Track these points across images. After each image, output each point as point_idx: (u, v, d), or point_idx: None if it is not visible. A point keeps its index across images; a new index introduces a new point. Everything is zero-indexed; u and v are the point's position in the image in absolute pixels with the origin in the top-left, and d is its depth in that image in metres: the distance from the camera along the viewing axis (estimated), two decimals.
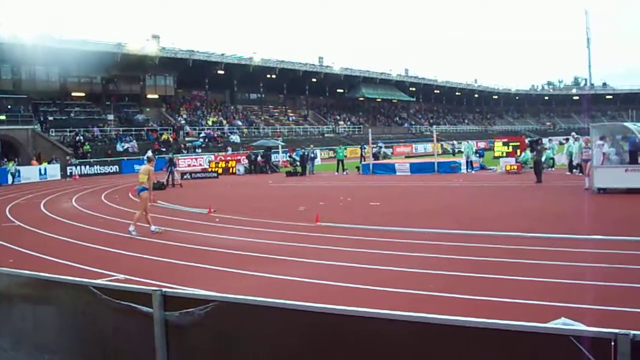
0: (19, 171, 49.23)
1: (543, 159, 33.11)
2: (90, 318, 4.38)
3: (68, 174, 52.62)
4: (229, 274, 11.64)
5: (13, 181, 47.39)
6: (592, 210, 19.09)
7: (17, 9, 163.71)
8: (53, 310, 4.74)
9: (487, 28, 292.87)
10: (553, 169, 36.06)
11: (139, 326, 3.98)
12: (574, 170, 32.71)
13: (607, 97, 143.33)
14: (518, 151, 40.49)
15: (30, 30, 60.42)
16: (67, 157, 55.53)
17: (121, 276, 11.61)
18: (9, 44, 57.73)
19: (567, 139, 37.70)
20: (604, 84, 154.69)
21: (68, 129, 62.11)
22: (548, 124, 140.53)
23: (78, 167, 54.51)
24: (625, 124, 27.84)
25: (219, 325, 3.70)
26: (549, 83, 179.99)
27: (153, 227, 17.61)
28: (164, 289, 3.90)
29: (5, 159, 51.57)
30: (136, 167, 56.43)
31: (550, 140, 39.91)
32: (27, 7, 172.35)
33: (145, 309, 3.88)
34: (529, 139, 51.74)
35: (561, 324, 3.23)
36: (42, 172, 51.62)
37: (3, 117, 56.40)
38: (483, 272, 10.73)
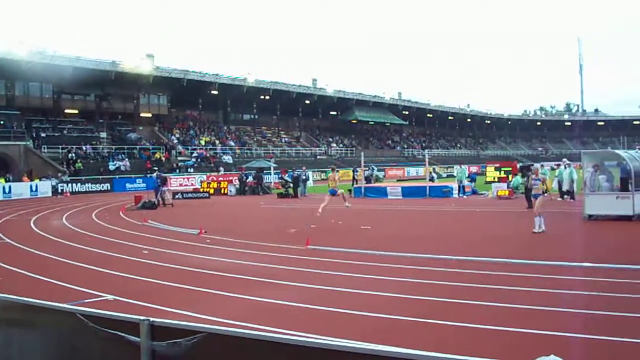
0: (10, 187, 49.19)
1: None
2: (76, 346, 4.34)
3: (59, 191, 52.45)
4: (218, 297, 11.59)
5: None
6: (583, 236, 19.20)
7: (11, 24, 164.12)
8: (39, 336, 4.69)
9: (480, 53, 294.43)
10: (546, 194, 35.88)
11: (125, 356, 3.94)
12: (565, 196, 32.93)
13: (599, 123, 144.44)
14: (510, 176, 40.55)
15: (24, 46, 60.45)
16: (59, 174, 55.36)
17: (110, 297, 11.55)
18: (2, 59, 57.81)
19: (559, 165, 37.91)
20: (596, 110, 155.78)
21: (60, 146, 61.98)
22: (540, 149, 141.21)
23: (69, 185, 54.34)
24: (616, 151, 27.93)
25: (205, 357, 3.66)
26: (541, 109, 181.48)
27: (347, 203, 22.11)
28: (152, 318, 3.87)
29: None
30: (128, 185, 56.52)
31: (542, 165, 39.96)
32: (22, 22, 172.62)
33: (132, 338, 3.84)
34: (520, 164, 51.75)
35: None
36: (34, 188, 51.45)
37: None
38: (469, 299, 10.68)
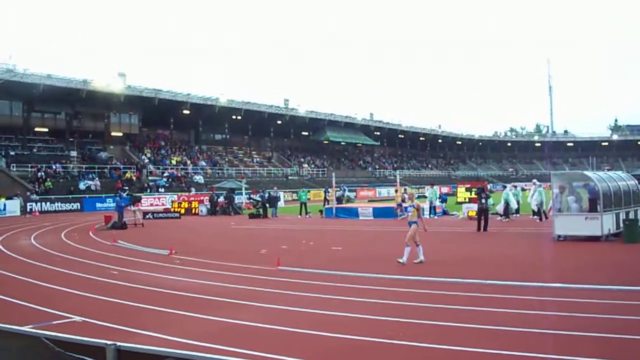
0: None
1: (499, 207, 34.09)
2: None
3: (28, 210, 51.95)
4: (187, 318, 11.53)
5: None
6: (551, 257, 19.38)
7: None
8: None
9: (452, 74, 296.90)
10: (518, 215, 36.02)
11: None
12: (535, 216, 33.32)
13: (568, 144, 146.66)
14: None
15: None
16: (28, 193, 54.82)
17: (78, 318, 11.43)
18: None
19: (514, 187, 38.73)
20: (565, 132, 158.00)
21: (30, 165, 61.46)
22: (510, 169, 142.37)
23: (39, 204, 53.85)
24: (585, 172, 28.25)
25: None
26: (511, 130, 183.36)
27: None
28: (118, 343, 3.85)
29: None
30: (98, 204, 56.04)
31: (515, 186, 40.22)
32: None
33: None
34: (490, 184, 52.03)
35: None
36: (1, 207, 51.00)
37: None
38: (437, 320, 10.76)
